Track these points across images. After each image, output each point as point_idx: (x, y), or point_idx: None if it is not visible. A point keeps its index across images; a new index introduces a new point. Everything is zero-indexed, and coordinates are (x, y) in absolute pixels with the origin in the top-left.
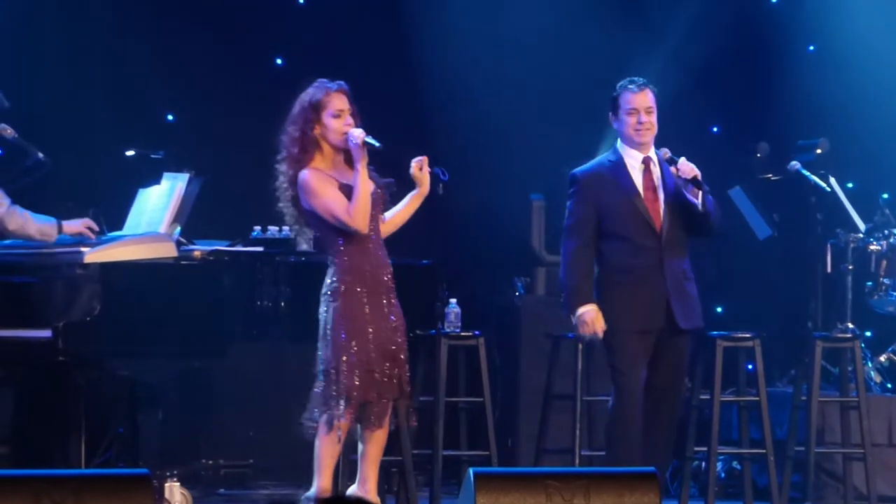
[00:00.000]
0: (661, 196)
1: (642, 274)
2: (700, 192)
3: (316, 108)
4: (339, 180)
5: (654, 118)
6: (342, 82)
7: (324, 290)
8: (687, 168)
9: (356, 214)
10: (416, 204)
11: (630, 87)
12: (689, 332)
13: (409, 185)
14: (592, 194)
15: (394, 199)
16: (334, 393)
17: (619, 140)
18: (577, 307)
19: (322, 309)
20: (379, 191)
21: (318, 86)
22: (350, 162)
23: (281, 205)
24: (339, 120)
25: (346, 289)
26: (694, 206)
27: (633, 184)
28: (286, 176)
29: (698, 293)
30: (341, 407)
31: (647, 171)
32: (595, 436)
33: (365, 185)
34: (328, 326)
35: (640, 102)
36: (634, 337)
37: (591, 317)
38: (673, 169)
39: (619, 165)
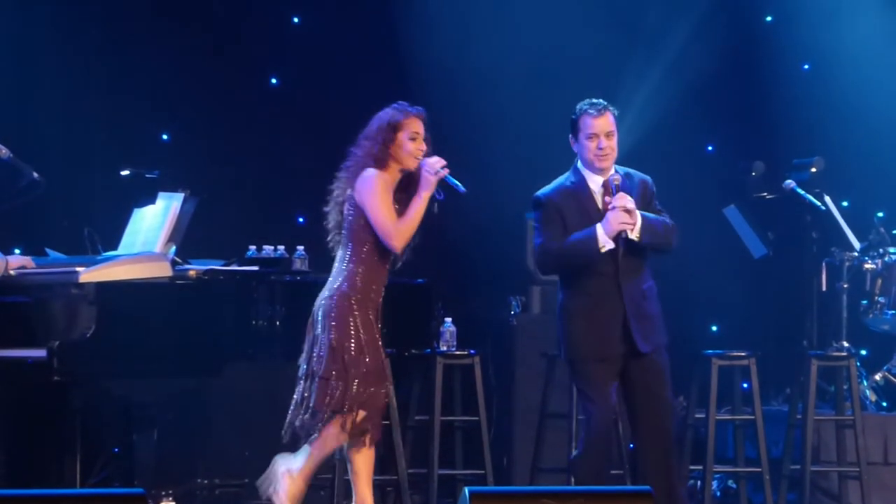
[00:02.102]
0: None
1: (600, 298)
2: (636, 228)
3: (394, 128)
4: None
5: (614, 142)
6: (422, 108)
7: (328, 294)
8: (620, 201)
9: (401, 234)
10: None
11: (590, 110)
12: (653, 352)
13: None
14: (559, 215)
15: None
16: (332, 402)
17: (578, 161)
18: (594, 233)
19: (322, 311)
20: None
21: (398, 107)
22: (407, 188)
23: (328, 209)
24: (415, 143)
25: (351, 298)
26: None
27: (595, 207)
28: (348, 172)
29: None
30: (345, 416)
31: (606, 193)
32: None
33: (420, 213)
34: (331, 335)
35: (601, 127)
36: (597, 364)
37: (612, 215)
38: (607, 197)
39: (581, 188)
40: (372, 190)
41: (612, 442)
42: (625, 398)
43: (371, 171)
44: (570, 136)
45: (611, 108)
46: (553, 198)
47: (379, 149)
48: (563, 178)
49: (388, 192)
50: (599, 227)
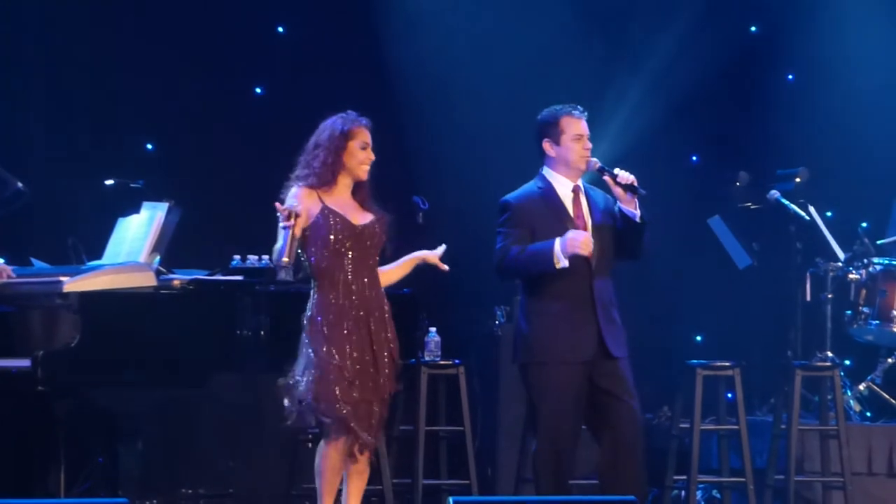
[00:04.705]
0: (590, 223)
1: (573, 301)
2: (637, 202)
3: (346, 137)
4: (332, 206)
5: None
6: (367, 119)
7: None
8: (624, 175)
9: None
10: (409, 268)
11: (573, 112)
12: (623, 358)
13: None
14: (526, 220)
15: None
16: (304, 410)
17: (545, 167)
18: (552, 248)
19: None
20: (376, 226)
21: (346, 116)
22: (356, 194)
23: None
24: (364, 152)
25: (313, 313)
26: (631, 219)
27: (565, 210)
28: (306, 182)
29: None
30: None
31: (576, 198)
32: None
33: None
34: (302, 345)
35: (585, 129)
36: (563, 368)
37: (573, 235)
38: (607, 178)
39: (550, 192)
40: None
41: (571, 454)
42: (591, 405)
43: (293, 189)
44: (546, 139)
45: None
46: (522, 203)
47: (333, 160)
48: (531, 185)
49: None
50: (557, 244)
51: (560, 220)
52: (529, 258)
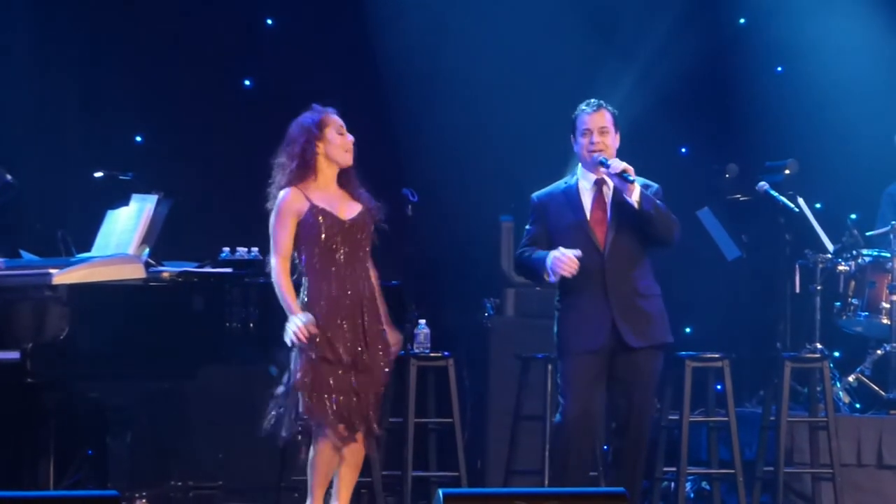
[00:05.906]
0: (609, 216)
1: (587, 294)
2: (635, 190)
3: (320, 126)
4: (319, 204)
5: (608, 139)
6: (333, 108)
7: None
8: (615, 164)
9: (276, 267)
10: None
11: (585, 108)
12: (646, 349)
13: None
14: (544, 217)
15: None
16: (298, 407)
17: (579, 163)
18: (545, 263)
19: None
20: (365, 217)
21: (312, 111)
22: (343, 183)
23: None
24: (342, 137)
25: (305, 303)
26: (633, 207)
27: (581, 206)
28: (277, 187)
29: (669, 314)
30: (309, 421)
31: (598, 192)
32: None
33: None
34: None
35: (594, 123)
36: (581, 358)
37: (558, 254)
38: (603, 170)
39: (573, 188)
40: (274, 214)
41: (583, 443)
42: (607, 394)
43: (282, 193)
44: (571, 135)
45: (607, 106)
46: (541, 200)
47: (302, 151)
48: (562, 180)
49: (288, 218)
50: (549, 259)
51: (576, 217)
52: (530, 266)
